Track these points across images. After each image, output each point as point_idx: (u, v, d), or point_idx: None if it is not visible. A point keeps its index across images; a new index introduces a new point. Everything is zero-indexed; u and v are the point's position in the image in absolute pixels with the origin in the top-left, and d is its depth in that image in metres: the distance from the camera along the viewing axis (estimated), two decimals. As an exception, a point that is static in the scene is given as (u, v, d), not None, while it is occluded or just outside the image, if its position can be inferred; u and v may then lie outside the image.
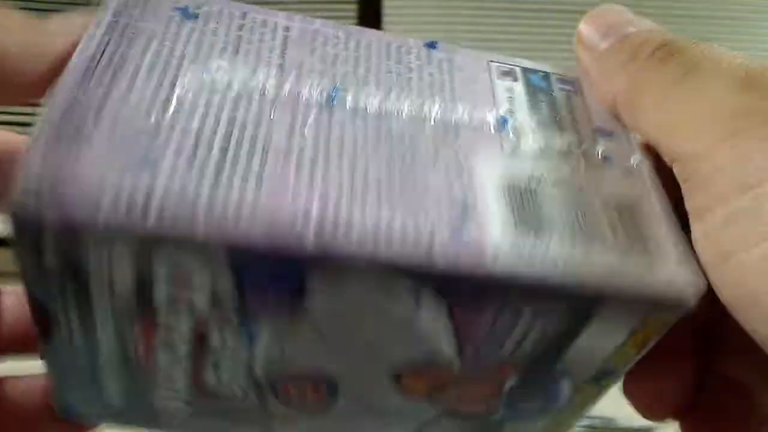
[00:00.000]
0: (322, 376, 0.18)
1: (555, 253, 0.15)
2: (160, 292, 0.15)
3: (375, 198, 0.15)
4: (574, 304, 0.15)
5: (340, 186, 0.15)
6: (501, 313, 0.15)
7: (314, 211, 0.14)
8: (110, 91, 0.15)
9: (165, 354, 0.17)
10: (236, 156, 0.15)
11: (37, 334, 0.17)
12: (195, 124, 0.15)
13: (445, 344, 0.16)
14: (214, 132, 0.15)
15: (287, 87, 0.17)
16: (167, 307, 0.16)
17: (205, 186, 0.14)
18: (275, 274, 0.15)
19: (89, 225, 0.13)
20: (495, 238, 0.15)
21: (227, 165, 0.14)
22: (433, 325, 0.16)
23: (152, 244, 0.14)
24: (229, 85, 0.16)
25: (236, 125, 0.15)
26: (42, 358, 0.17)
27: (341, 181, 0.15)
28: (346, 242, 0.14)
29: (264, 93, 0.16)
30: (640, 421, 1.05)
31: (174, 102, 0.15)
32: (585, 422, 1.03)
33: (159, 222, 0.14)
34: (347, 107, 0.17)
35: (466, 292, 0.15)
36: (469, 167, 0.16)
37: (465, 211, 0.15)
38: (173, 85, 0.16)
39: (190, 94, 0.15)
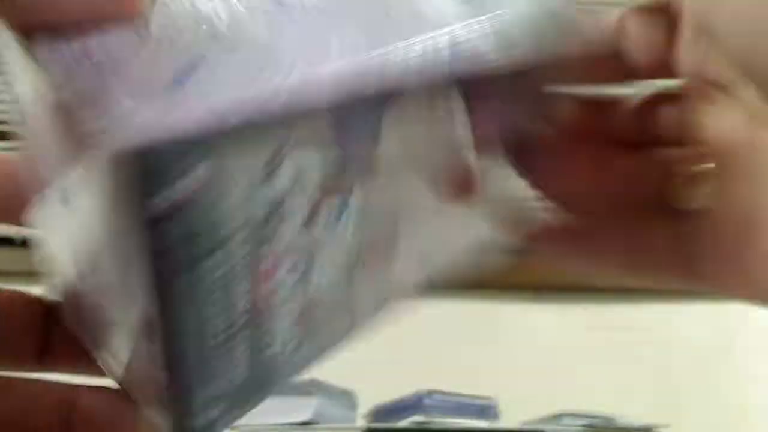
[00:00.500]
0: (389, 218, 0.20)
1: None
2: (282, 184, 0.15)
3: (394, 37, 0.17)
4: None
5: (357, 43, 0.16)
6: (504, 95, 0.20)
7: (362, 60, 0.16)
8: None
9: (283, 287, 0.17)
10: (258, 51, 0.15)
11: (162, 335, 0.15)
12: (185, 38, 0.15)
13: (466, 142, 0.20)
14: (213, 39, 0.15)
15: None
16: (288, 202, 0.15)
17: (268, 73, 0.14)
18: (361, 117, 0.16)
19: (222, 126, 0.13)
20: (484, 32, 0.18)
21: (259, 58, 0.15)
22: (460, 127, 0.19)
23: (278, 127, 0.14)
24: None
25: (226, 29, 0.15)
26: (168, 369, 0.15)
27: (357, 42, 0.16)
28: (405, 65, 0.16)
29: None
30: (639, 420, 1.04)
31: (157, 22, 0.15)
32: (585, 422, 1.03)
33: (277, 102, 0.14)
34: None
35: (484, 83, 0.19)
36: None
37: (448, 27, 0.18)
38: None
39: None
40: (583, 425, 1.03)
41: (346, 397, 1.09)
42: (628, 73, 0.22)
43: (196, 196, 0.13)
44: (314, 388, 1.03)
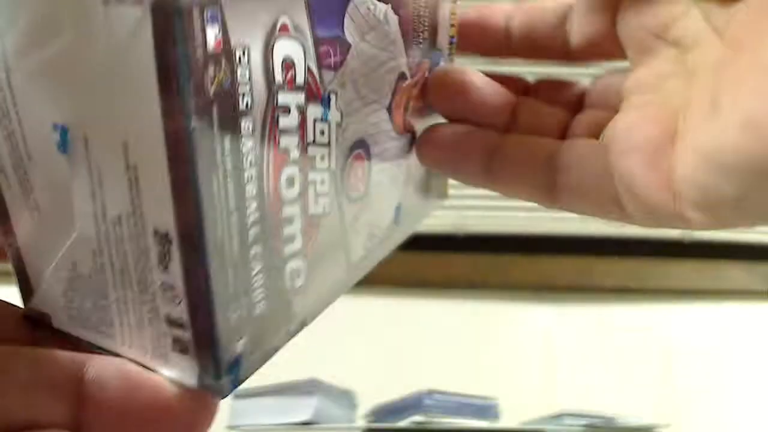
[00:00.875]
0: (360, 140, 0.20)
1: None
2: (278, 69, 0.15)
3: None
4: None
5: None
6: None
7: None
8: None
9: (288, 189, 0.17)
10: None
11: (185, 242, 0.14)
12: None
13: (398, 48, 0.21)
14: None
15: None
16: (282, 96, 0.16)
17: None
18: (330, 7, 0.17)
19: None
20: None
21: None
22: (394, 33, 0.21)
23: None
24: None
25: None
26: (190, 288, 0.15)
27: None
28: None
29: None
30: (639, 420, 1.04)
31: None
32: (585, 421, 1.03)
33: None
34: None
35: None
36: None
37: None
38: None
39: None
40: (584, 425, 1.03)
41: (346, 397, 1.09)
42: (571, 54, 0.23)
43: (219, 55, 0.13)
44: (314, 387, 1.03)
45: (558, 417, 1.06)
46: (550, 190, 0.21)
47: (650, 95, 0.20)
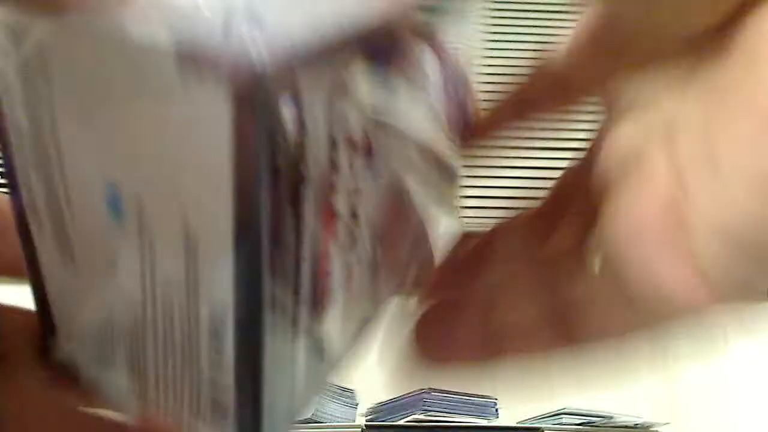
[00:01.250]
0: (399, 203, 0.19)
1: None
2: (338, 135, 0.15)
3: None
4: None
5: None
6: None
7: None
8: None
9: (338, 247, 0.16)
10: None
11: (240, 333, 0.14)
12: None
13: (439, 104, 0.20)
14: None
15: None
16: (336, 154, 0.15)
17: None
18: (378, 55, 0.16)
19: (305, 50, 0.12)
20: None
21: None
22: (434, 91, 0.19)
23: (338, 52, 0.14)
24: None
25: None
26: (242, 378, 0.15)
27: None
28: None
29: None
30: (638, 418, 1.04)
31: None
32: (584, 419, 1.04)
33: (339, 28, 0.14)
34: None
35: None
36: None
37: None
38: None
39: None
40: (583, 423, 1.03)
41: (346, 395, 1.09)
42: (565, 93, 0.20)
43: (294, 136, 0.13)
44: (314, 385, 1.03)
45: (557, 415, 1.06)
46: (564, 335, 0.18)
47: (637, 172, 0.16)
